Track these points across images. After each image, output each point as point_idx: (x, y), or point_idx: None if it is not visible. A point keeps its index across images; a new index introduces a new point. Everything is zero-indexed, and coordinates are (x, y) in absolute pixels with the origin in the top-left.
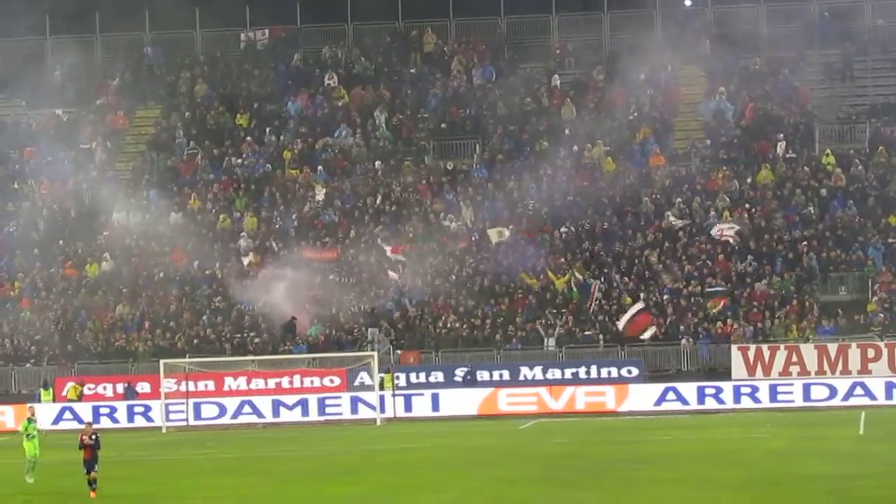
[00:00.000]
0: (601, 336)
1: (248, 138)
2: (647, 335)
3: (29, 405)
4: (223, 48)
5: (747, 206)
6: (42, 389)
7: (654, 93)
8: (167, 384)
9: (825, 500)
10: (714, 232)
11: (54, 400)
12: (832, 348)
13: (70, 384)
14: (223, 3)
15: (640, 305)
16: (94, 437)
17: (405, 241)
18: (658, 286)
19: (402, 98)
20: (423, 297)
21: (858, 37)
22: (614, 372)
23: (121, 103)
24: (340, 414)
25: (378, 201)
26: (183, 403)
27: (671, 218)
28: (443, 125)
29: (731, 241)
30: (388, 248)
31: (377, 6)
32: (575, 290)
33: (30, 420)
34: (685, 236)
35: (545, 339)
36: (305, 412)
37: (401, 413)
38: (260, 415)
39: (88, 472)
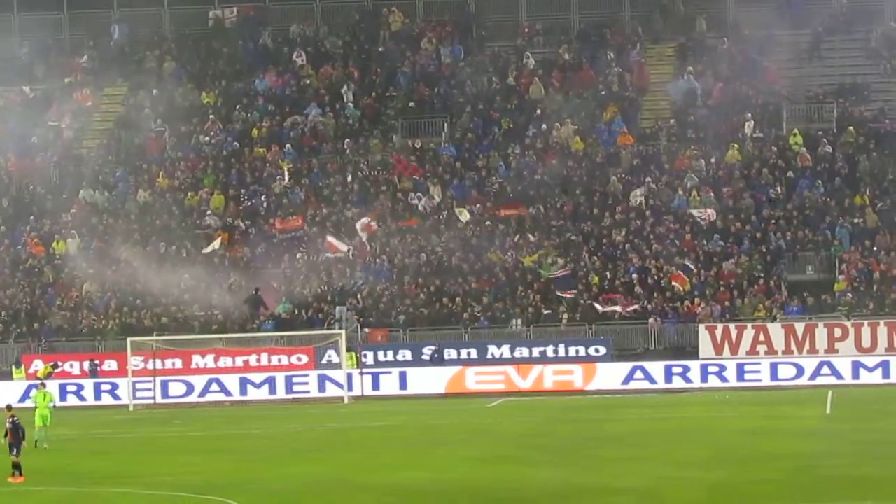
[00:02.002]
0: (566, 314)
1: (213, 116)
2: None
3: (38, 380)
4: (191, 26)
5: (714, 185)
6: (14, 367)
7: (623, 72)
8: (134, 362)
9: (792, 478)
10: (696, 213)
11: (26, 377)
12: (799, 328)
13: (41, 364)
14: None
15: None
16: (12, 420)
17: (377, 219)
18: (625, 266)
19: (371, 76)
20: (390, 276)
21: (826, 17)
22: (582, 351)
23: (88, 81)
24: (308, 392)
25: (346, 179)
26: (150, 381)
27: (635, 196)
28: (411, 104)
29: (706, 221)
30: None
31: None
32: (543, 271)
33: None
34: (652, 215)
35: (513, 319)
36: (273, 390)
37: (368, 391)
38: (227, 393)
39: (14, 455)
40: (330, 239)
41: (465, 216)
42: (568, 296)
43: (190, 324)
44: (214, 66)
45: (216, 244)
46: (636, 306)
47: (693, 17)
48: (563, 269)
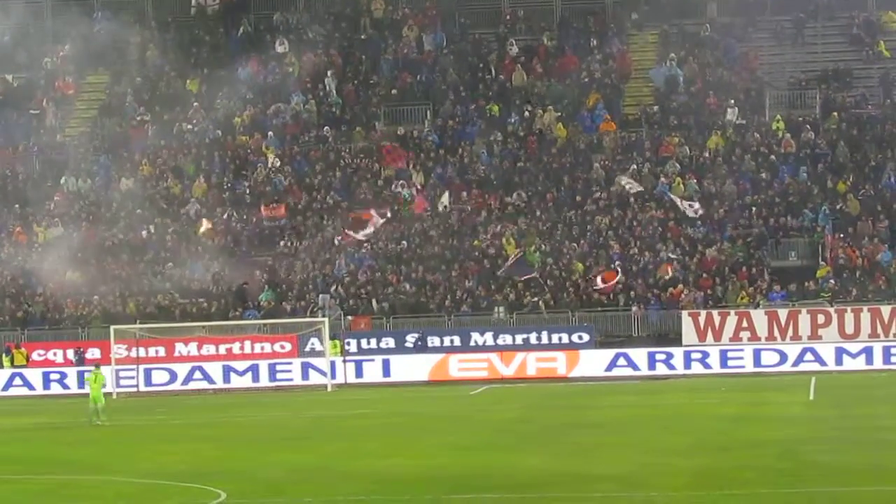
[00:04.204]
0: (552, 302)
1: (197, 104)
2: (603, 284)
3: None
4: (174, 13)
5: (697, 172)
6: (4, 355)
7: (605, 58)
8: (117, 350)
9: (775, 465)
10: (682, 206)
11: (15, 364)
12: (782, 314)
13: (14, 350)
14: None
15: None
16: None
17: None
18: (608, 253)
19: (354, 64)
20: (373, 263)
21: (808, 3)
22: (565, 338)
23: (70, 69)
24: (291, 380)
25: (328, 167)
26: (133, 369)
27: (624, 182)
28: (394, 91)
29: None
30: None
31: None
32: (535, 256)
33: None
34: (636, 202)
35: (496, 306)
36: (256, 378)
37: (352, 379)
38: (210, 381)
39: None
40: (371, 212)
41: (444, 200)
42: (526, 277)
43: (173, 312)
44: (197, 54)
45: (205, 227)
46: (618, 279)
47: (674, 3)
48: (515, 256)
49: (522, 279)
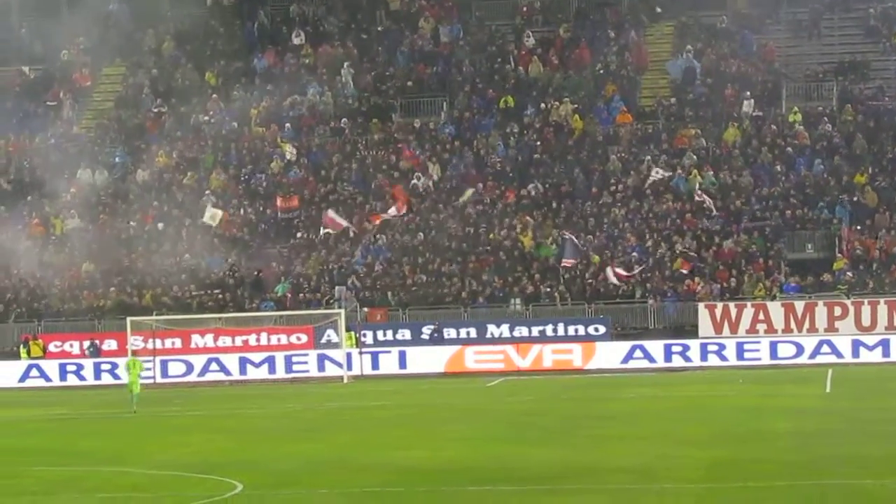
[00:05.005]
0: (568, 294)
1: (214, 96)
2: (614, 279)
3: (132, 349)
4: (190, 5)
5: (714, 164)
6: (21, 347)
7: (621, 50)
8: (134, 341)
9: (790, 456)
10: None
11: (31, 356)
12: (799, 306)
13: (31, 342)
14: None
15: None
16: None
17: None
18: (625, 245)
19: (370, 56)
20: (389, 255)
21: None
22: (581, 330)
23: (87, 61)
24: (307, 371)
25: (345, 159)
26: (150, 361)
27: (655, 171)
28: (410, 83)
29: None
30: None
31: None
32: (554, 248)
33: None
34: (653, 194)
35: (512, 298)
36: (272, 370)
37: (368, 371)
38: (227, 372)
39: None
40: (330, 214)
41: (466, 195)
42: (569, 265)
43: (189, 303)
44: (213, 46)
45: (214, 217)
46: (638, 270)
47: None
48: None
49: (563, 264)
